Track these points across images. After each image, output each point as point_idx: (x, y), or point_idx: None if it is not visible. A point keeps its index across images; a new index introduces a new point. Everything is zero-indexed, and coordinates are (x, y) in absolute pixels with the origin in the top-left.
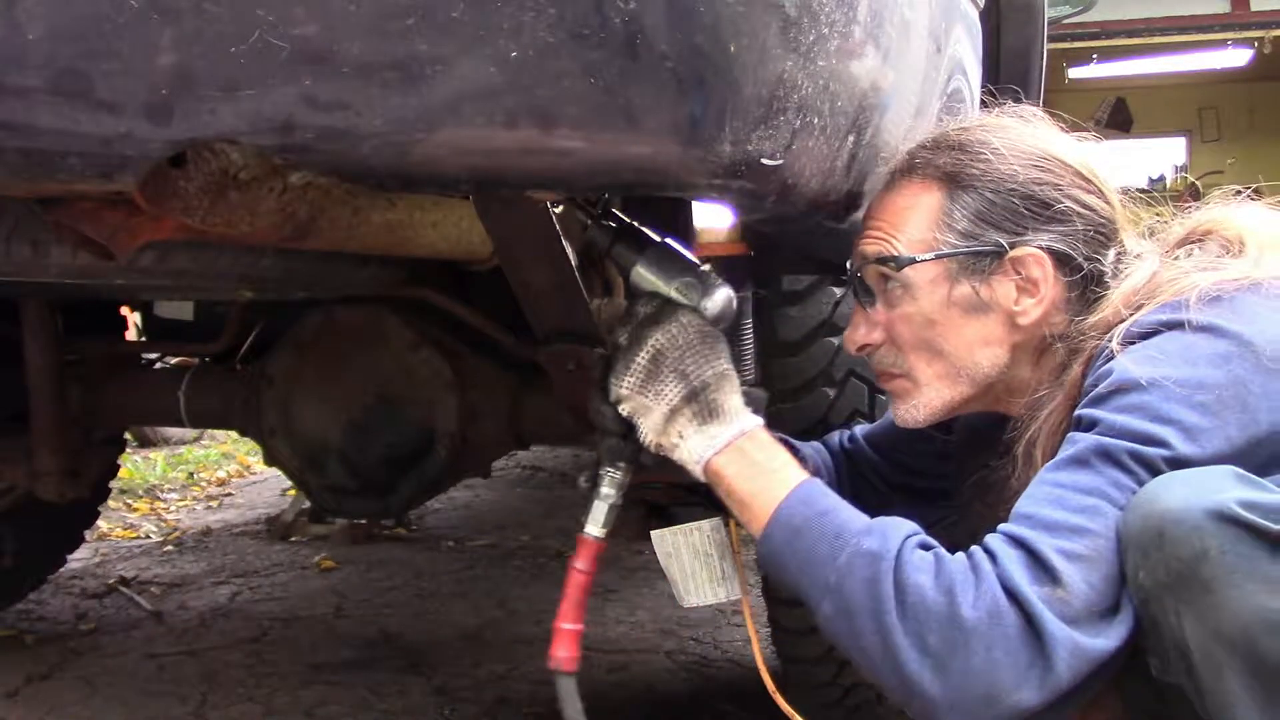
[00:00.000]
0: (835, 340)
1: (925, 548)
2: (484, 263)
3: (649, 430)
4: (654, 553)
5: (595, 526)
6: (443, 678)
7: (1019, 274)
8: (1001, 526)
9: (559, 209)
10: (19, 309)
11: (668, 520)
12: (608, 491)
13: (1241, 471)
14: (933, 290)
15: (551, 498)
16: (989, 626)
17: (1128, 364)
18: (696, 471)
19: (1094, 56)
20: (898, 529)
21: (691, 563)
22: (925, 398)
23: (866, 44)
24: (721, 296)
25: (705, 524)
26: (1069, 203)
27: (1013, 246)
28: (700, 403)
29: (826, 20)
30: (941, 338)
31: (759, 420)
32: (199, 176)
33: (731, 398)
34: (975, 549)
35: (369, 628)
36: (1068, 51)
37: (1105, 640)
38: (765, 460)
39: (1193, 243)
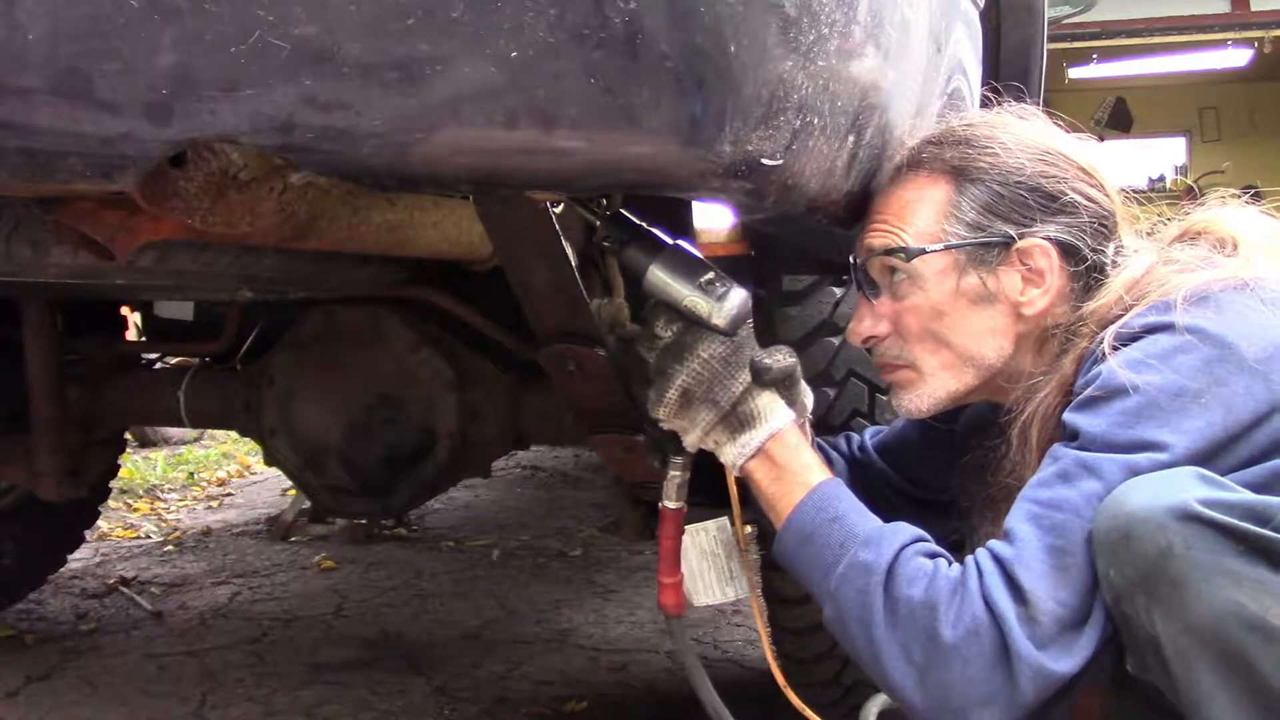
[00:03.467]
0: (835, 340)
1: (929, 555)
2: (484, 263)
3: (690, 443)
4: (655, 553)
5: (669, 500)
6: (443, 678)
7: (1025, 265)
8: (990, 542)
9: (559, 209)
10: (19, 309)
11: None
12: (674, 473)
13: (1204, 472)
14: (941, 281)
15: (551, 498)
16: (967, 645)
17: (1115, 367)
18: (735, 473)
19: (1094, 56)
20: (895, 540)
21: (699, 563)
22: (930, 388)
23: (866, 44)
24: (735, 302)
25: (711, 524)
26: (1073, 195)
27: (1020, 237)
28: (732, 418)
29: (826, 20)
30: (949, 328)
31: (788, 417)
32: (199, 176)
33: (759, 400)
34: (969, 560)
35: (369, 628)
36: (1068, 51)
37: (1070, 661)
38: (788, 463)
39: (1187, 240)
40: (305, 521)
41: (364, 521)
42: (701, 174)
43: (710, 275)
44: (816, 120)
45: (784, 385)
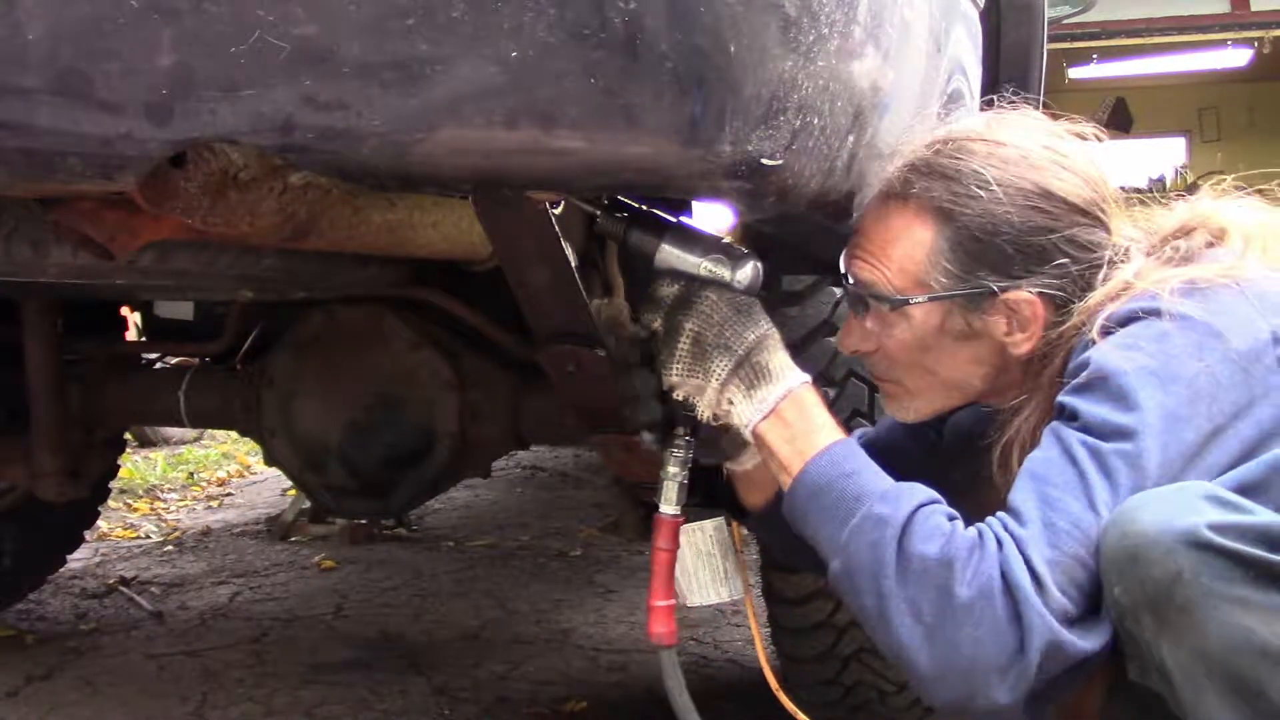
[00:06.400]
0: (834, 340)
1: (947, 517)
2: (484, 263)
3: (705, 406)
4: None
5: (669, 505)
6: (443, 678)
7: (1011, 312)
8: (1000, 515)
9: (558, 209)
10: (19, 309)
11: None
12: (674, 470)
13: (1215, 491)
14: (925, 320)
15: (551, 498)
16: (981, 605)
17: (1107, 352)
18: (746, 435)
19: (1094, 56)
20: (913, 497)
21: (694, 562)
22: (916, 404)
23: (866, 44)
24: (750, 267)
25: (708, 524)
26: (1066, 245)
27: (1004, 289)
28: (747, 368)
29: (826, 20)
30: (933, 361)
31: (805, 377)
32: (199, 176)
33: (776, 356)
34: (984, 526)
35: (369, 628)
36: (1068, 51)
37: (1084, 642)
38: (804, 422)
39: (1182, 236)
40: (305, 521)
41: (364, 521)
42: (701, 174)
43: (722, 244)
44: (816, 120)
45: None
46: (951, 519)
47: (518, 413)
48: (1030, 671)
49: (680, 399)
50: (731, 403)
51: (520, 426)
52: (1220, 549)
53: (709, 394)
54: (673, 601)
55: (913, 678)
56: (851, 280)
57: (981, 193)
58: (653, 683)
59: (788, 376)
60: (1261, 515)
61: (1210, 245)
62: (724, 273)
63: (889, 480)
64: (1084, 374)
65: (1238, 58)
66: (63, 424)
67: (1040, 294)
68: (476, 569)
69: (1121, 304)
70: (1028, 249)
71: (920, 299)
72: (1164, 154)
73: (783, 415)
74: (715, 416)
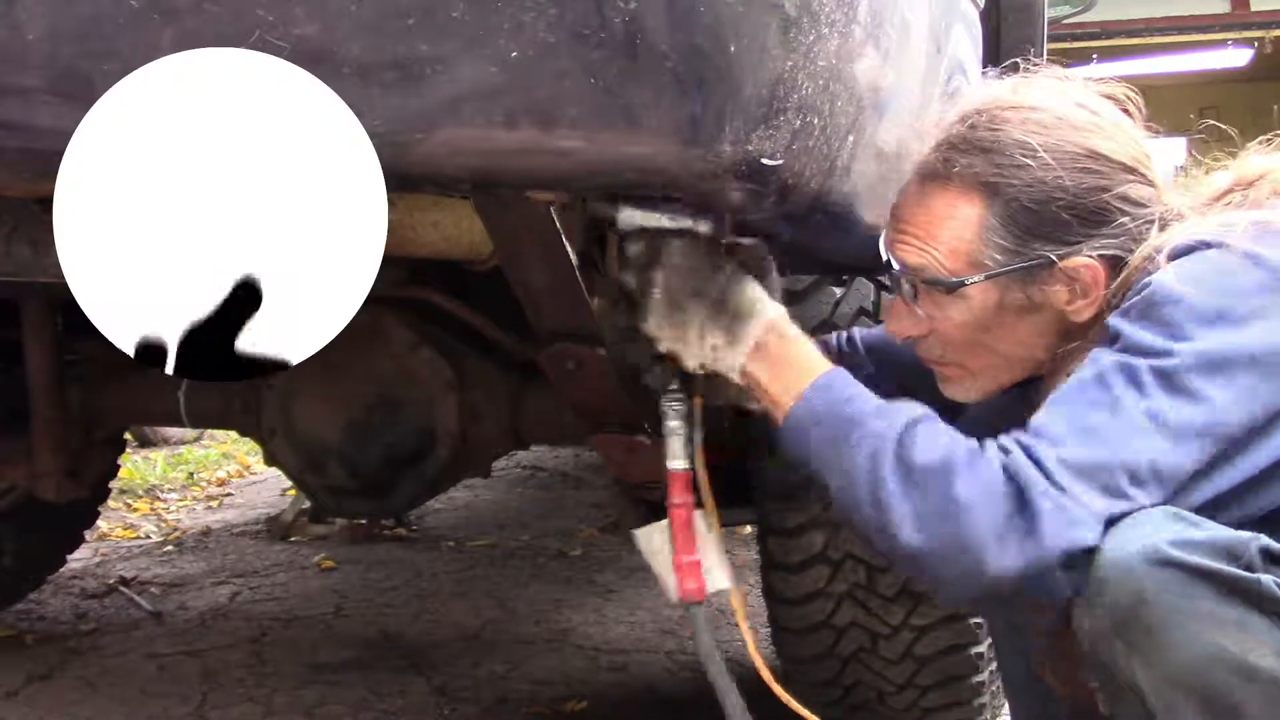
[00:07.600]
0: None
1: (944, 431)
2: (484, 263)
3: (690, 356)
4: None
5: (675, 460)
6: (443, 678)
7: (1072, 280)
8: (1014, 433)
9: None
10: (19, 309)
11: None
12: (674, 424)
13: (1176, 510)
14: (984, 300)
15: (551, 498)
16: (982, 497)
17: (1165, 277)
18: (738, 380)
19: (1094, 56)
20: (909, 410)
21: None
22: (979, 383)
23: (866, 44)
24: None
25: None
26: (1119, 204)
27: (1062, 258)
28: (722, 310)
29: (826, 20)
30: (994, 339)
31: (780, 309)
32: None
33: (747, 291)
34: (989, 443)
35: (369, 628)
36: (1068, 51)
37: (1090, 537)
38: (789, 356)
39: (1240, 190)
40: (305, 521)
41: (364, 521)
42: (701, 174)
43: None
44: (816, 120)
45: (761, 273)
46: (949, 432)
47: (518, 413)
48: (1038, 552)
49: (664, 351)
50: (715, 348)
51: (520, 426)
52: (1183, 565)
53: (690, 342)
54: (697, 557)
55: (916, 572)
56: (899, 270)
57: (1029, 161)
58: (653, 682)
59: (763, 309)
60: (1221, 530)
61: (1275, 195)
62: (686, 222)
63: (882, 401)
64: (1139, 296)
65: (1238, 58)
66: (63, 424)
67: (1100, 256)
68: (476, 569)
69: (1187, 237)
70: (1084, 212)
71: (976, 279)
72: (1164, 154)
73: (766, 348)
74: (702, 365)
